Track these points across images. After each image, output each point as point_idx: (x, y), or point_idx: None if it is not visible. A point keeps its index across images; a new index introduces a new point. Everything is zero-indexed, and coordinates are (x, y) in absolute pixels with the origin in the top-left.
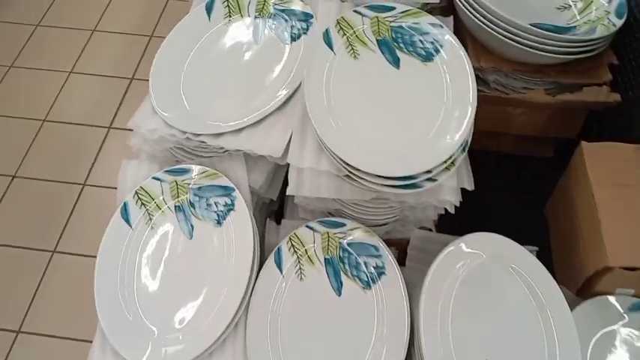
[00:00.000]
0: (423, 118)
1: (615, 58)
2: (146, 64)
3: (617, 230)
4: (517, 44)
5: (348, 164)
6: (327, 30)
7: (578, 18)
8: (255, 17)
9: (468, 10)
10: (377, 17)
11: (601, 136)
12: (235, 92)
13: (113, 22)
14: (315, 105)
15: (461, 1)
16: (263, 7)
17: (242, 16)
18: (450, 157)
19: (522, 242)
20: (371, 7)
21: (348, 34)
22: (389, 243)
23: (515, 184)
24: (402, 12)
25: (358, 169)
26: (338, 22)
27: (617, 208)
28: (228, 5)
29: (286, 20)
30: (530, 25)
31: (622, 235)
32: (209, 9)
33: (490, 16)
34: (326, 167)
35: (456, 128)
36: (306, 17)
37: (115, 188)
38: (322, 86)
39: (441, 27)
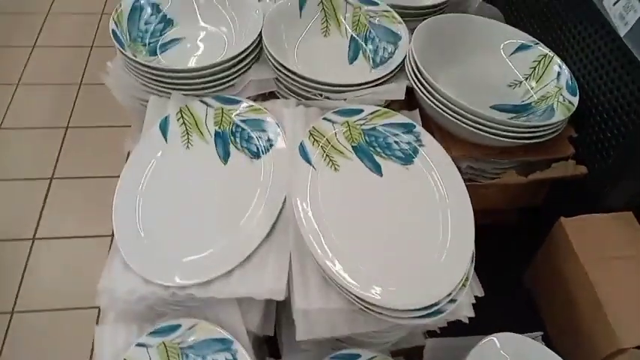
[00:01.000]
0: (425, 230)
1: (574, 131)
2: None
3: (621, 308)
4: (484, 133)
5: (363, 300)
6: (301, 143)
7: (532, 94)
8: (217, 133)
9: (431, 101)
10: (347, 122)
11: (563, 201)
12: (212, 227)
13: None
14: (312, 235)
15: (424, 94)
16: (222, 120)
17: (202, 133)
18: (465, 274)
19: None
20: (339, 112)
21: (322, 144)
22: (396, 353)
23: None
24: (371, 113)
25: (375, 305)
26: (310, 134)
27: (614, 284)
28: (184, 122)
29: (251, 132)
30: (491, 107)
31: (627, 313)
32: (164, 129)
33: (453, 106)
34: (337, 304)
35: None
36: (273, 127)
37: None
38: (310, 211)
39: (413, 125)
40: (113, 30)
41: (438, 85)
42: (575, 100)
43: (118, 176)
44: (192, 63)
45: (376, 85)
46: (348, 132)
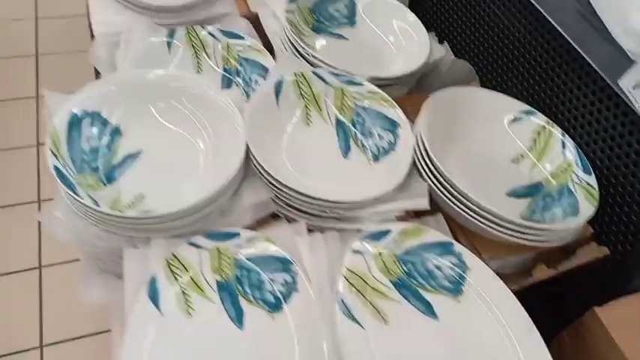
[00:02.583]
0: None
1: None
2: None
3: None
4: (517, 239)
5: None
6: (341, 298)
7: (541, 168)
8: (219, 285)
9: (456, 205)
10: (378, 250)
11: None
12: None
13: None
14: None
15: (448, 198)
16: (221, 265)
17: (202, 289)
18: None
19: None
20: (368, 238)
21: (358, 288)
22: None
23: None
24: (401, 233)
25: None
26: (345, 278)
27: None
28: (176, 279)
29: (262, 275)
30: (507, 194)
31: None
32: (154, 296)
33: (482, 212)
34: None
35: None
36: (288, 265)
37: None
38: None
39: (451, 244)
40: (55, 166)
41: (458, 184)
42: (592, 180)
43: None
44: (165, 188)
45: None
46: (382, 264)
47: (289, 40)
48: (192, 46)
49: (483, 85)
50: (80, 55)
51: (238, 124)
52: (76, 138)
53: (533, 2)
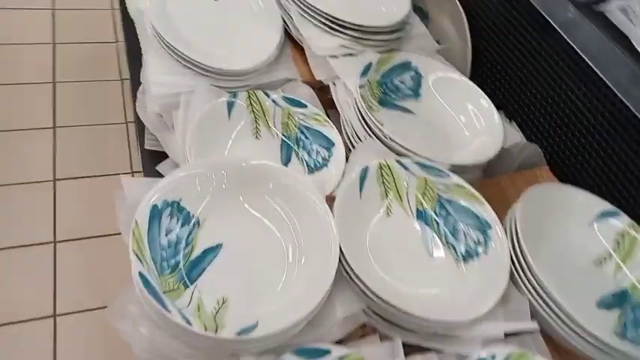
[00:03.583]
0: None
1: None
2: None
3: None
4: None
5: None
6: None
7: (626, 273)
8: None
9: (554, 321)
10: None
11: None
12: None
13: None
14: None
15: (548, 314)
16: None
17: None
18: None
19: None
20: None
21: None
22: None
23: None
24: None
25: None
26: None
27: None
28: None
29: None
30: (597, 306)
31: None
32: None
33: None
34: None
35: None
36: None
37: None
38: None
39: None
40: (140, 273)
41: (558, 299)
42: None
43: None
44: (250, 291)
45: None
46: None
47: (361, 115)
48: (253, 111)
49: (552, 171)
50: (99, 85)
51: (331, 227)
52: (156, 234)
53: (618, 93)
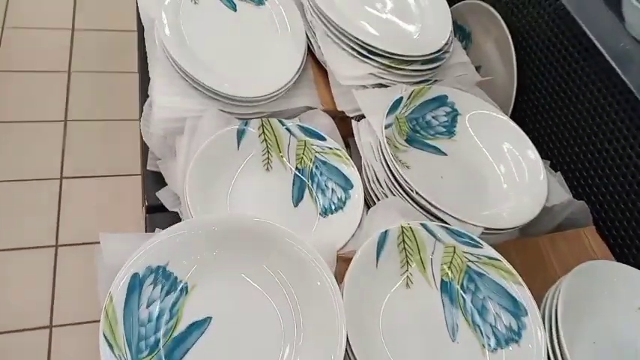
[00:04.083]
0: None
1: None
2: None
3: None
4: None
5: None
6: None
7: None
8: None
9: None
10: None
11: None
12: None
13: None
14: None
15: None
16: None
17: None
18: None
19: None
20: None
21: None
22: None
23: None
24: None
25: None
26: None
27: None
28: None
29: None
30: None
31: None
32: None
33: None
34: None
35: None
36: None
37: None
38: None
39: None
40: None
41: None
42: None
43: None
44: None
45: None
46: None
47: (385, 163)
48: (265, 139)
49: (600, 230)
50: (116, 77)
51: (338, 309)
52: (134, 307)
53: None
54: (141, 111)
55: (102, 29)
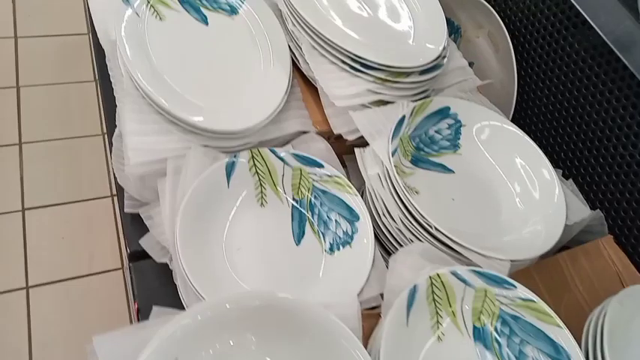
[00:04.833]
0: None
1: None
2: None
3: None
4: None
5: None
6: None
7: None
8: None
9: None
10: None
11: None
12: None
13: None
14: None
15: None
16: None
17: None
18: None
19: None
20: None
21: None
22: None
23: None
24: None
25: None
26: None
27: None
28: None
29: None
30: None
31: None
32: None
33: None
34: None
35: None
36: None
37: None
38: None
39: None
40: None
41: None
42: None
43: None
44: None
45: None
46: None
47: (396, 194)
48: (257, 172)
49: (616, 238)
50: (71, 88)
51: None
52: None
53: None
54: (103, 125)
55: (49, 35)
